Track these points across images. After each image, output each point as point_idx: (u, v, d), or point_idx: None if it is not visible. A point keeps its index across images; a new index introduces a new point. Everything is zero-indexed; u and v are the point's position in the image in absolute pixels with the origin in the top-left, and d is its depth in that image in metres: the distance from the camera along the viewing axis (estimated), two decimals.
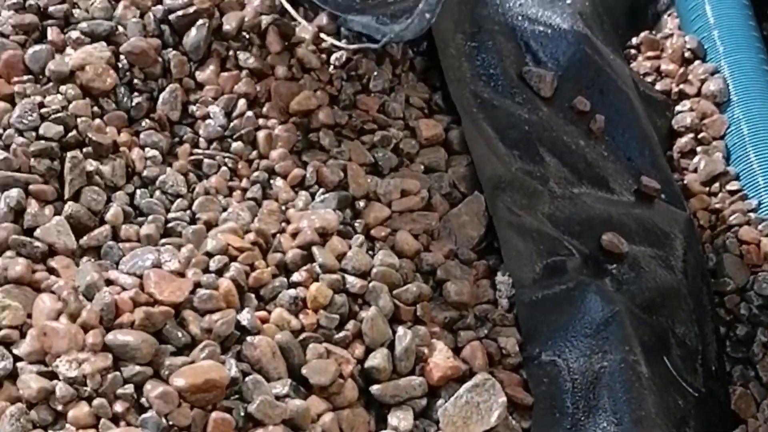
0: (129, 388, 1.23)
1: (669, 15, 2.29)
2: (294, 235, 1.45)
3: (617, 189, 1.78)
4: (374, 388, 1.36)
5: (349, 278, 1.42)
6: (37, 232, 1.38)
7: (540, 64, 1.90)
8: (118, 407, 1.22)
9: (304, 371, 1.32)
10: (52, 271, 1.36)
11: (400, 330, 1.40)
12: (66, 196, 1.43)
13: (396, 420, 1.34)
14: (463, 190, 1.61)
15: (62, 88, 1.51)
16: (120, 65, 1.57)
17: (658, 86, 2.10)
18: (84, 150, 1.47)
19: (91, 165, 1.46)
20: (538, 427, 1.38)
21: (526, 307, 1.49)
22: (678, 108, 2.05)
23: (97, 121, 1.51)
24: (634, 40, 2.20)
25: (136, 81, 1.57)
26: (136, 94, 1.57)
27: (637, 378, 1.41)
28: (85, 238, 1.41)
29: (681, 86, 2.09)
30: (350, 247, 1.46)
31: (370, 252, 1.48)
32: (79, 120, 1.48)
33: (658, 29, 2.27)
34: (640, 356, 1.45)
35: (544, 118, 1.79)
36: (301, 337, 1.36)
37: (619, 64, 2.00)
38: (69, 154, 1.44)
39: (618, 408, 1.38)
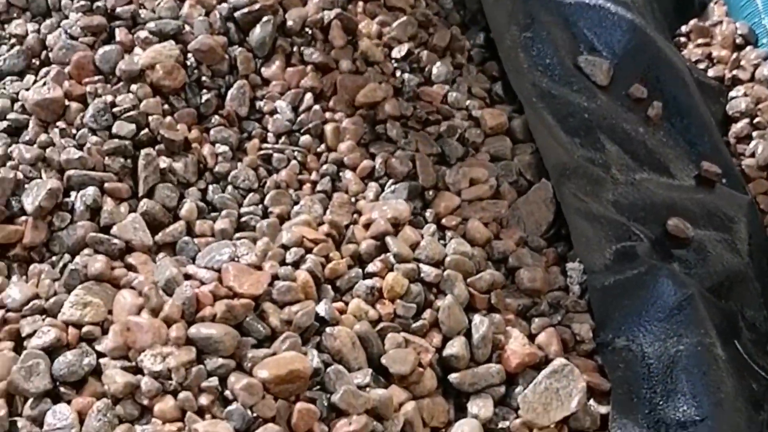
0: (213, 381, 1.24)
1: (716, 3, 2.28)
2: (366, 226, 1.46)
3: (678, 174, 1.77)
4: (453, 377, 1.35)
5: (424, 267, 1.42)
6: (114, 230, 1.40)
7: (595, 53, 1.89)
8: (203, 400, 1.23)
9: (383, 361, 1.32)
10: (129, 267, 1.38)
11: (476, 318, 1.40)
12: (140, 194, 1.45)
13: (476, 408, 1.34)
14: (529, 177, 1.61)
15: (133, 87, 1.52)
16: (188, 63, 1.58)
17: (710, 72, 2.09)
18: (156, 147, 1.48)
19: (164, 162, 1.47)
20: (616, 412, 1.37)
21: (598, 292, 1.48)
22: (732, 94, 2.04)
23: (168, 118, 1.52)
24: (684, 28, 2.19)
25: (204, 78, 1.58)
26: (204, 91, 1.58)
27: (714, 361, 1.41)
28: (160, 234, 1.43)
29: (734, 72, 2.08)
30: (422, 237, 1.46)
31: (442, 241, 1.48)
32: (150, 118, 1.50)
33: (705, 17, 2.26)
34: (716, 339, 1.44)
35: (603, 105, 1.79)
36: (379, 326, 1.36)
37: (673, 51, 1.99)
38: (143, 152, 1.46)
39: (697, 391, 1.37)
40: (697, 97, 1.90)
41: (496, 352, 1.40)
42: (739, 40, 2.12)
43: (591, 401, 1.38)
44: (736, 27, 2.13)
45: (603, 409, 1.38)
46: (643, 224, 1.63)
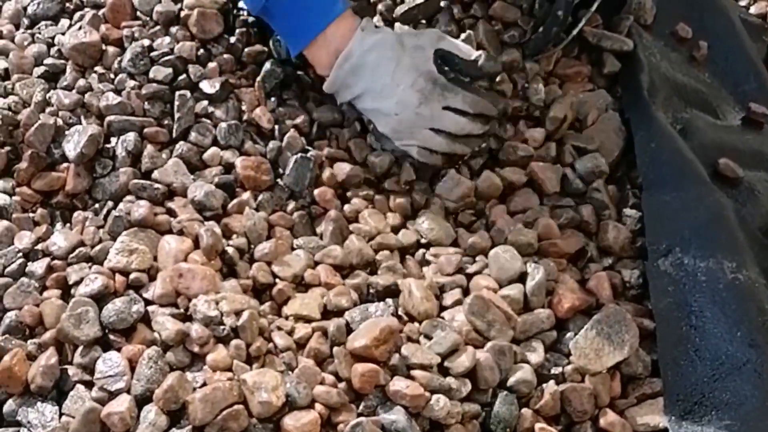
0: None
1: None
2: None
3: (725, 115, 1.74)
4: None
5: None
6: (155, 175, 1.37)
7: None
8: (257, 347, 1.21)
9: None
10: (171, 212, 1.35)
11: (531, 265, 1.37)
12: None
13: (527, 353, 1.31)
14: None
15: (170, 30, 1.49)
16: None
17: (752, 10, 2.05)
18: (194, 94, 1.46)
19: (200, 106, 1.45)
20: (663, 343, 1.33)
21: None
22: None
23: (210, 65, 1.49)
24: None
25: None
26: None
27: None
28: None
29: None
30: None
31: None
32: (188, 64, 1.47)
33: None
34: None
35: (647, 45, 1.75)
36: None
37: None
38: (177, 94, 1.44)
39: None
40: (744, 36, 1.85)
41: (547, 297, 1.36)
42: None
43: (641, 346, 1.34)
44: None
45: (654, 356, 1.34)
46: None
